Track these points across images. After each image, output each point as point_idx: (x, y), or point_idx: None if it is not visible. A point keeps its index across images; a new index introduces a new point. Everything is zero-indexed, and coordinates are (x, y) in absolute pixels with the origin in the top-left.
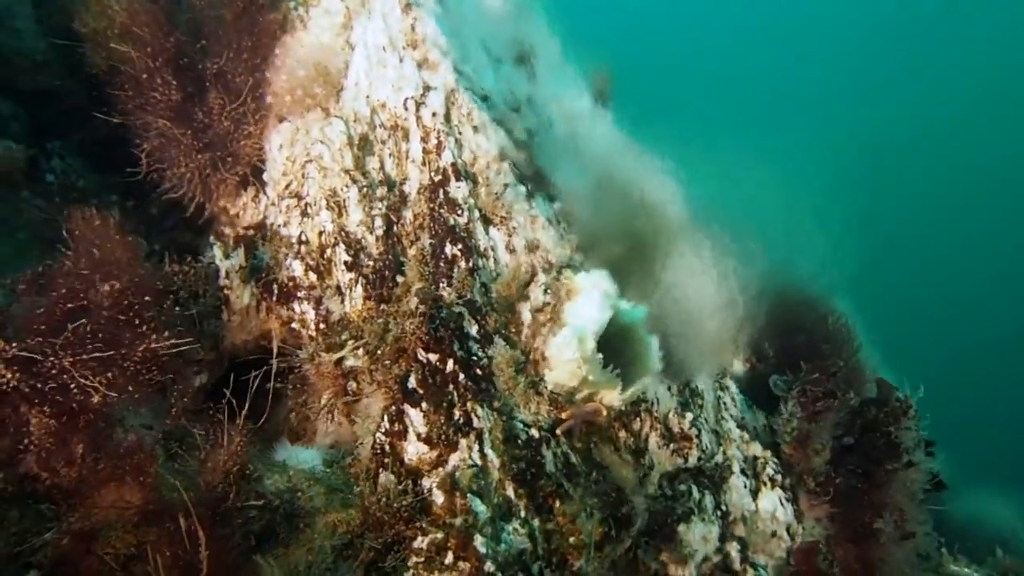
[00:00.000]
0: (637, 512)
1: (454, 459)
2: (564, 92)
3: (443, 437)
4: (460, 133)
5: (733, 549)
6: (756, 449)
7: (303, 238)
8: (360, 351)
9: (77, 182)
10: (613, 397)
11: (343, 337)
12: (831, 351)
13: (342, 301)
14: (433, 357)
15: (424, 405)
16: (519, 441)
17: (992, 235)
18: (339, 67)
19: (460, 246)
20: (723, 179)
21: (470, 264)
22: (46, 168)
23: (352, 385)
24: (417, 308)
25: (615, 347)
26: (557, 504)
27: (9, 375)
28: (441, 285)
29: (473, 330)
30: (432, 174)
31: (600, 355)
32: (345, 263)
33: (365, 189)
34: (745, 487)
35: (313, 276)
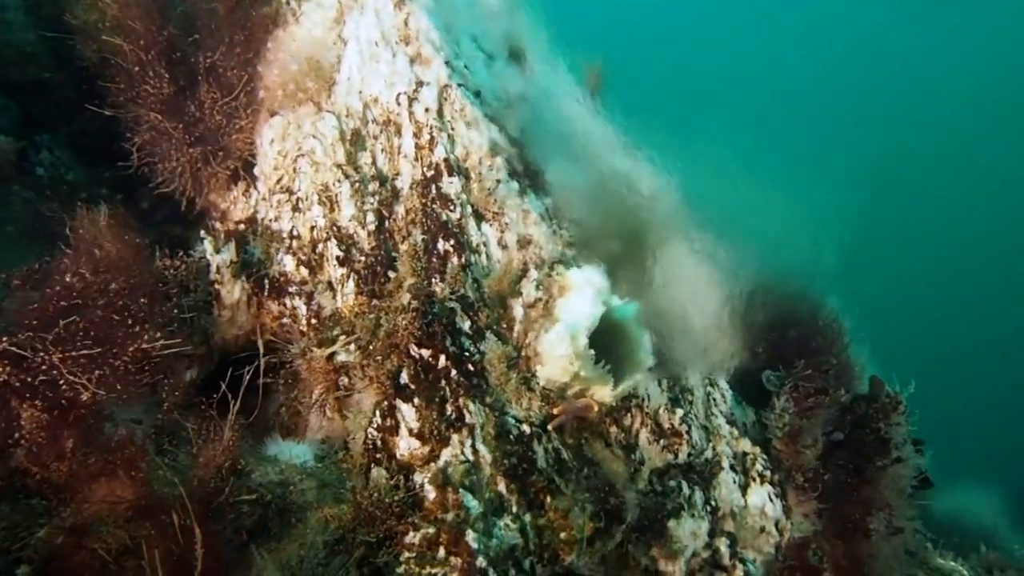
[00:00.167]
0: (628, 507)
1: (446, 454)
2: (557, 88)
3: (435, 432)
4: (453, 129)
5: (722, 544)
6: (745, 445)
7: (294, 233)
8: (352, 346)
9: (67, 175)
10: (605, 393)
11: (335, 332)
12: (821, 347)
13: (334, 296)
14: (425, 353)
15: (416, 400)
16: (511, 437)
17: (981, 235)
18: (331, 62)
19: (452, 242)
20: (716, 176)
21: (462, 260)
22: (35, 161)
23: (344, 380)
24: (410, 303)
25: (607, 343)
26: (548, 499)
27: None
28: (433, 280)
29: (465, 326)
30: (425, 169)
31: (592, 351)
32: (337, 258)
33: (357, 184)
34: (734, 483)
35: (304, 271)
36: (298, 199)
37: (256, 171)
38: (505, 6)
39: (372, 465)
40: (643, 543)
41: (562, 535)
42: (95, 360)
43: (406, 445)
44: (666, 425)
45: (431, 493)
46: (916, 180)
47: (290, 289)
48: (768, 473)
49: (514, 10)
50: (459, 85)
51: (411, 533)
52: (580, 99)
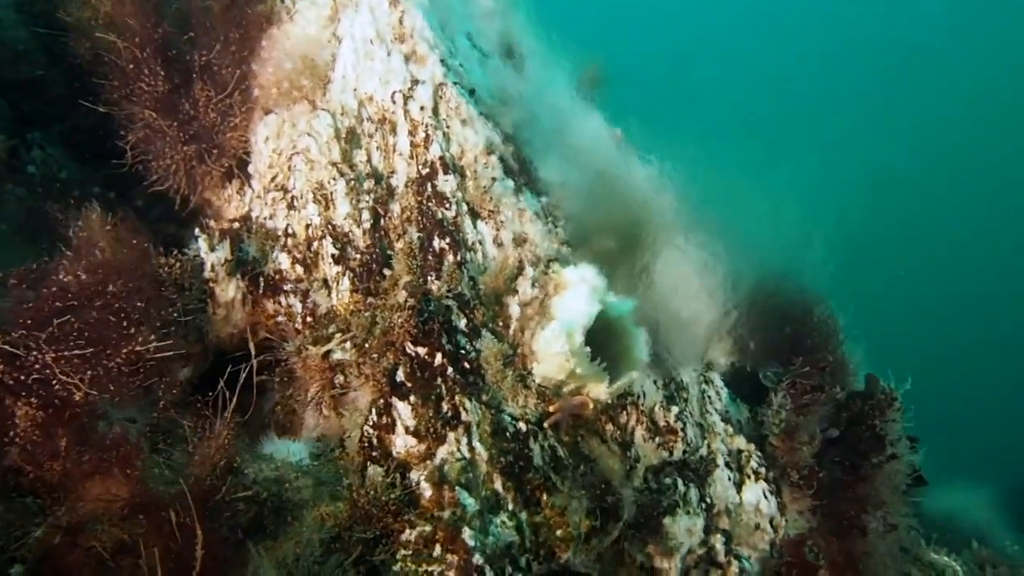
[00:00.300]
0: (624, 504)
1: (442, 452)
2: (552, 87)
3: (431, 430)
4: (448, 127)
5: (718, 541)
6: (740, 442)
7: (290, 231)
8: (347, 344)
9: (59, 173)
10: (600, 391)
11: (330, 330)
12: (816, 344)
13: (329, 294)
14: (421, 350)
15: (412, 398)
16: (507, 434)
17: (979, 235)
18: (326, 60)
19: (448, 240)
20: (712, 175)
21: (458, 258)
22: (27, 159)
23: (339, 378)
24: (406, 301)
25: (602, 341)
26: (545, 497)
27: None
28: (429, 278)
29: (461, 323)
30: (420, 167)
31: (588, 348)
32: (332, 256)
33: (352, 182)
34: (729, 480)
35: (300, 269)
36: (293, 197)
37: (251, 169)
38: (500, 5)
39: (368, 463)
40: (639, 540)
41: (558, 532)
42: (88, 360)
43: (402, 443)
44: (661, 423)
45: (427, 491)
46: (915, 181)
47: (285, 287)
48: (763, 470)
49: (509, 9)
50: (454, 83)
51: (407, 531)
52: (576, 98)
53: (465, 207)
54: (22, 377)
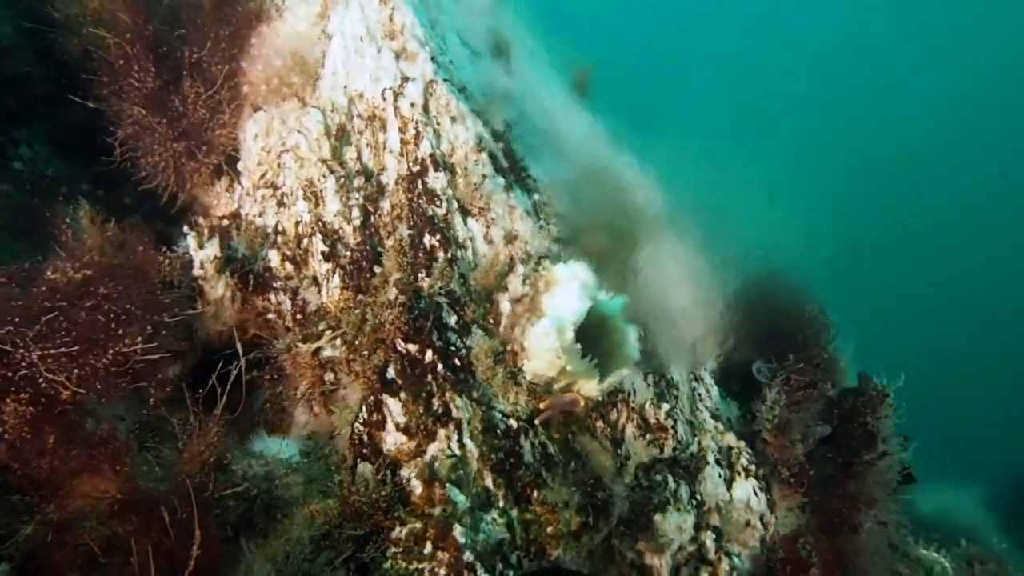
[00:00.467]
0: (616, 500)
1: (433, 449)
2: (542, 84)
3: (422, 427)
4: (438, 124)
5: (708, 538)
6: (730, 439)
7: (279, 228)
8: (338, 341)
9: (46, 170)
10: (591, 388)
11: (320, 327)
12: (808, 340)
13: (319, 291)
14: (412, 347)
15: (403, 395)
16: (498, 431)
17: (976, 236)
18: (316, 57)
19: (439, 237)
20: (704, 172)
21: (449, 255)
22: (13, 156)
23: (329, 376)
24: (396, 298)
25: (592, 338)
26: (535, 494)
27: None
28: (420, 275)
29: (452, 320)
30: (410, 164)
31: (578, 345)
32: (322, 253)
33: (342, 179)
34: (720, 477)
35: (290, 266)
36: (283, 194)
37: (240, 166)
38: (490, 3)
39: (359, 460)
40: (629, 537)
41: (549, 529)
42: (75, 359)
43: (393, 440)
44: (652, 420)
45: (418, 488)
46: (915, 181)
47: (275, 284)
48: (753, 467)
49: (499, 7)
50: (445, 80)
51: (398, 528)
52: (566, 95)
53: (456, 204)
54: (9, 374)
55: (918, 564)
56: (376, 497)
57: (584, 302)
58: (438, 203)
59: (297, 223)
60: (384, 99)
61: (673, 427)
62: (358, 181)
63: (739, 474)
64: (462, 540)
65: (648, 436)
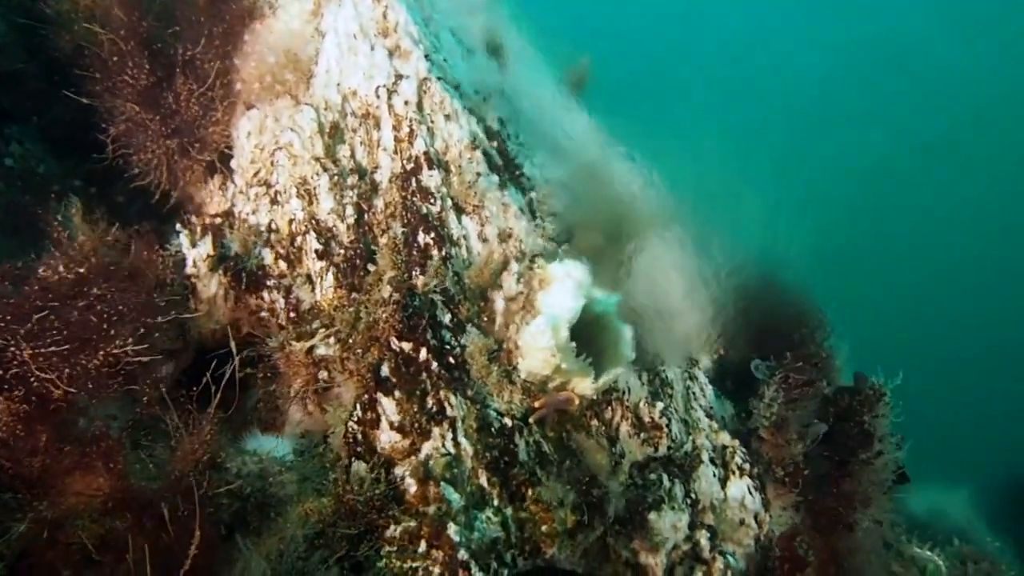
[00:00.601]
0: (612, 497)
1: (427, 448)
2: (536, 83)
3: (416, 426)
4: (432, 122)
5: (703, 537)
6: (725, 438)
7: (272, 226)
8: (331, 340)
9: (38, 167)
10: (586, 386)
11: (314, 326)
12: (804, 337)
13: (313, 290)
14: (406, 346)
15: (397, 394)
16: (492, 430)
17: (955, 235)
18: (309, 54)
19: (433, 235)
20: (699, 171)
21: (443, 253)
22: (4, 153)
23: (323, 374)
24: (390, 296)
25: (587, 336)
26: (530, 492)
27: None
28: (414, 273)
29: (446, 319)
30: (404, 162)
31: (573, 344)
32: (316, 251)
33: (336, 177)
34: (714, 476)
35: (283, 264)
36: (276, 192)
37: (233, 164)
38: (484, 1)
39: (353, 459)
40: (624, 536)
41: (543, 528)
42: (65, 358)
43: (387, 438)
44: (646, 418)
45: (412, 486)
46: (911, 182)
47: (268, 283)
48: (747, 466)
49: (493, 5)
50: (439, 78)
51: (392, 527)
52: (561, 94)
53: (450, 202)
54: (0, 372)
55: (911, 563)
56: (370, 496)
57: (579, 300)
58: (432, 201)
59: (291, 221)
60: (378, 97)
61: (667, 426)
62: (352, 179)
63: (733, 473)
64: (457, 539)
65: (642, 435)
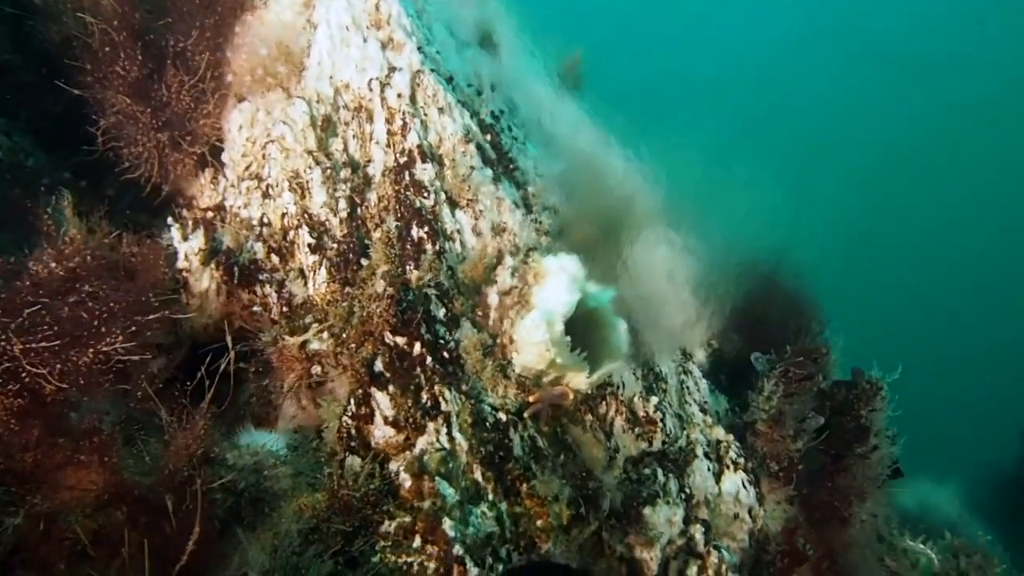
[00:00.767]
0: (607, 490)
1: (422, 442)
2: (531, 76)
3: (410, 420)
4: (426, 115)
5: (697, 532)
6: (719, 433)
7: (265, 220)
8: (325, 334)
9: (26, 161)
10: (580, 380)
11: (307, 320)
12: (799, 328)
13: (305, 284)
14: (400, 340)
15: (391, 388)
16: (487, 424)
17: (943, 234)
18: (301, 47)
19: (427, 229)
20: (696, 165)
21: (437, 247)
22: None
23: (317, 369)
24: (384, 291)
25: (581, 330)
26: (525, 487)
27: None
28: (408, 268)
29: (440, 313)
30: (397, 156)
31: (568, 338)
32: (308, 245)
33: (329, 171)
34: (708, 470)
35: (275, 258)
36: (268, 186)
37: (224, 157)
38: None
39: (347, 454)
40: (619, 531)
41: (538, 523)
42: (56, 354)
43: (381, 433)
44: (640, 413)
45: (407, 481)
46: (906, 184)
47: (260, 277)
48: (742, 460)
49: None
50: (432, 71)
51: (387, 522)
52: (556, 87)
53: (443, 196)
54: None
55: (904, 556)
56: (365, 491)
57: (573, 294)
58: (426, 195)
59: (283, 215)
60: (370, 89)
61: (662, 420)
62: (344, 172)
63: (728, 467)
64: (451, 533)
65: (637, 429)
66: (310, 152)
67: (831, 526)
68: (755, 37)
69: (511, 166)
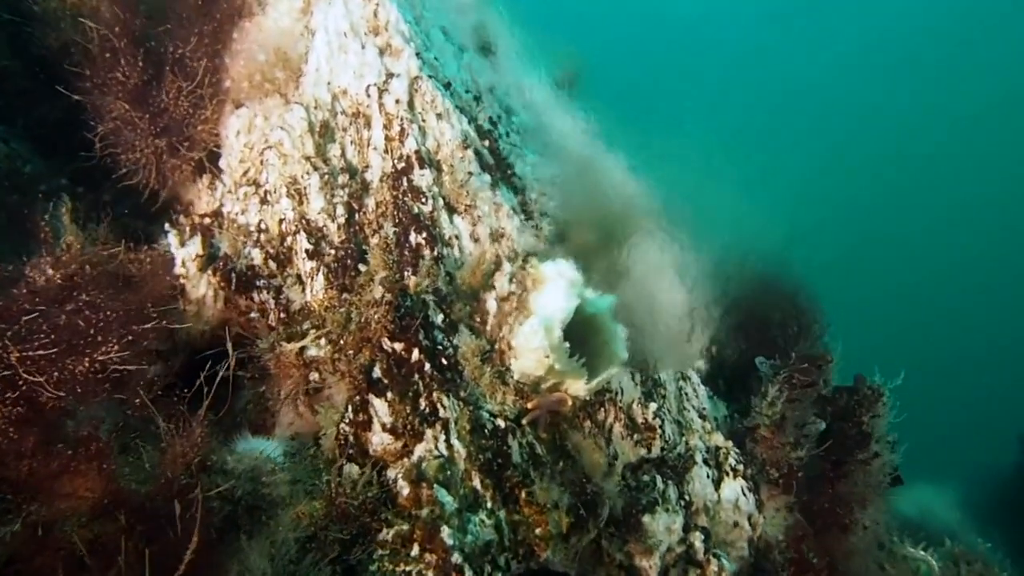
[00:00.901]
0: (608, 497)
1: (420, 449)
2: (528, 82)
3: (409, 427)
4: (424, 120)
5: (697, 539)
6: (718, 439)
7: (262, 226)
8: (322, 340)
9: (24, 168)
10: (579, 387)
11: (305, 326)
12: (800, 331)
13: (303, 290)
14: (398, 346)
15: (389, 395)
16: (485, 431)
17: (941, 239)
18: (299, 53)
19: (425, 234)
20: (696, 169)
21: (435, 253)
22: None
23: (314, 375)
24: (382, 297)
25: (580, 336)
26: (523, 494)
27: None
28: (406, 274)
29: (439, 319)
30: (395, 162)
31: (567, 344)
32: (306, 251)
33: (326, 176)
34: (708, 477)
35: (273, 265)
36: (266, 192)
37: (222, 164)
38: None
39: (344, 461)
40: (618, 538)
41: (537, 530)
42: (53, 362)
43: (379, 440)
44: (639, 419)
45: (405, 489)
46: (900, 187)
47: (258, 283)
48: (741, 467)
49: (483, 3)
50: (430, 77)
51: (385, 530)
52: (554, 92)
53: (441, 202)
54: None
55: (904, 563)
56: (363, 498)
57: (572, 300)
58: (424, 201)
59: (280, 221)
60: (368, 95)
61: (661, 427)
62: (342, 178)
63: (727, 474)
64: (450, 542)
65: (636, 436)
66: (308, 158)
67: (832, 533)
68: (756, 37)
69: (509, 172)
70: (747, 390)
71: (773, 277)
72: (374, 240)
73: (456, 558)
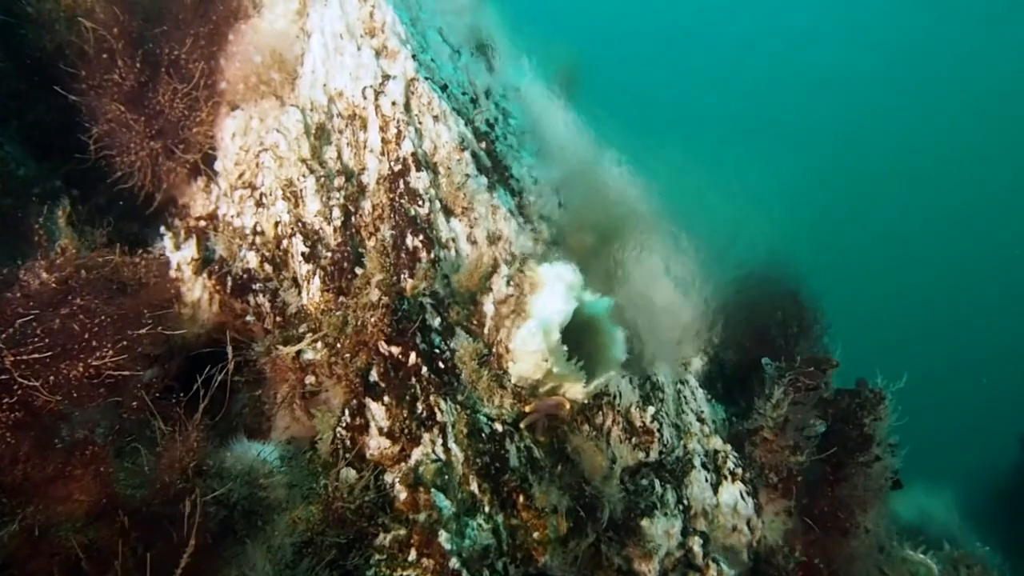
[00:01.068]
0: (608, 501)
1: (417, 453)
2: (525, 84)
3: (406, 431)
4: (420, 123)
5: (695, 543)
6: (716, 443)
7: (258, 229)
8: (319, 344)
9: (17, 170)
10: (577, 390)
11: (301, 330)
12: (800, 331)
13: (299, 293)
14: (395, 350)
15: (386, 399)
16: (483, 435)
17: (940, 243)
18: (295, 54)
19: (421, 237)
20: (694, 172)
21: (432, 255)
22: None
23: (310, 379)
24: (379, 300)
25: (577, 339)
26: (521, 499)
27: None
28: (402, 276)
29: (436, 322)
30: (392, 164)
31: (564, 347)
32: (302, 254)
33: (323, 179)
34: (706, 481)
35: (269, 268)
36: (261, 194)
37: (217, 166)
38: (471, 1)
39: (341, 465)
40: (617, 543)
41: (535, 535)
42: (48, 366)
43: (376, 444)
44: (637, 423)
45: (402, 493)
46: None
47: (254, 286)
48: (740, 471)
49: (480, 5)
50: (426, 78)
51: (382, 535)
52: (551, 94)
53: (438, 204)
54: None
55: (904, 565)
56: (360, 503)
57: (570, 303)
58: (420, 203)
59: (276, 224)
60: (365, 97)
61: (659, 430)
62: (338, 181)
63: (726, 478)
64: (447, 546)
65: (634, 439)
66: (304, 160)
67: (832, 537)
68: (756, 36)
69: (506, 174)
70: (746, 393)
71: (774, 276)
72: (370, 243)
73: (454, 563)
